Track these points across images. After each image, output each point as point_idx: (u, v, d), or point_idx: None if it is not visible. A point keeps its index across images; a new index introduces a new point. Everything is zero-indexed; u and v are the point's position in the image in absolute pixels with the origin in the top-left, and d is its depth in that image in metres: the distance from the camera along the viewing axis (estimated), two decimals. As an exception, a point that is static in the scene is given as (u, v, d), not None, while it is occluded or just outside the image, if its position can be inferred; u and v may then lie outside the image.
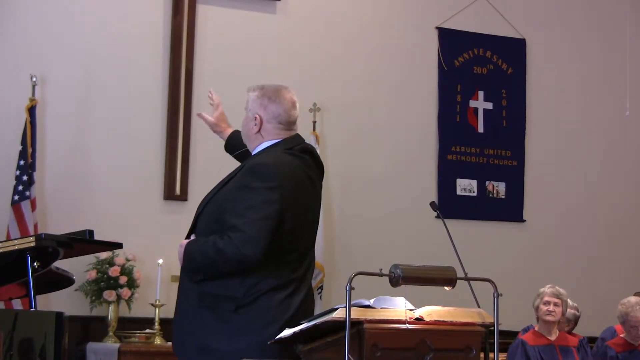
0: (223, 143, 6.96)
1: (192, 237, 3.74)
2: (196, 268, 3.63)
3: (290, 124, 3.81)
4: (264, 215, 3.49)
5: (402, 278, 3.09)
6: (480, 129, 7.62)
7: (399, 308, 3.21)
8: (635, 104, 7.85)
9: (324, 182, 3.90)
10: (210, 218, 3.67)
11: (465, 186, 7.52)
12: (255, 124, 3.82)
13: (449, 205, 7.27)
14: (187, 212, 6.65)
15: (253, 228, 3.46)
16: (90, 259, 6.20)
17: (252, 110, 3.86)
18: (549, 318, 5.80)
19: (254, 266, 3.48)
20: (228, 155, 6.91)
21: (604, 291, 7.55)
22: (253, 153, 3.84)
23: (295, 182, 3.64)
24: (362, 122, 7.25)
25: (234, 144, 4.26)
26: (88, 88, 6.54)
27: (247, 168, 3.65)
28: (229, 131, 4.32)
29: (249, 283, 3.52)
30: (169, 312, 6.36)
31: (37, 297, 4.01)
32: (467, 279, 3.44)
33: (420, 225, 7.18)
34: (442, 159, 7.47)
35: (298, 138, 3.82)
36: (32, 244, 3.99)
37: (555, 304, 5.80)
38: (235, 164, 6.69)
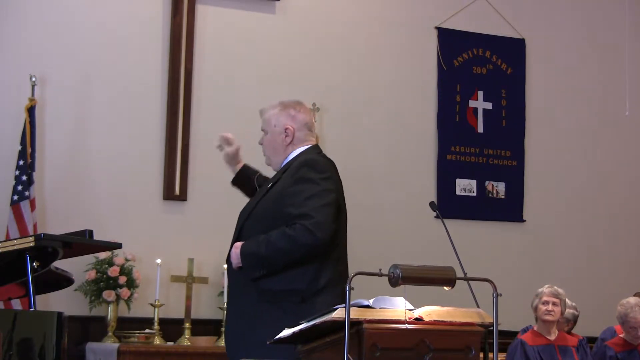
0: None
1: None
2: (260, 263, 3.73)
3: (313, 130, 4.10)
4: (326, 202, 3.74)
5: (402, 278, 3.09)
6: (480, 129, 7.62)
7: (398, 308, 3.21)
8: (634, 104, 7.86)
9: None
10: (262, 219, 3.83)
11: (465, 186, 7.52)
12: (287, 135, 4.00)
13: (448, 205, 7.27)
14: (186, 212, 6.67)
15: (321, 213, 3.69)
16: (89, 259, 6.20)
17: (279, 125, 4.01)
18: (548, 318, 5.81)
19: (323, 251, 3.69)
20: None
21: (603, 291, 7.55)
22: (284, 162, 4.00)
23: (339, 179, 3.93)
24: (362, 122, 7.25)
25: (243, 176, 4.38)
26: (87, 88, 6.54)
27: (298, 164, 3.85)
28: (241, 165, 4.42)
29: (310, 275, 3.71)
30: (168, 312, 6.39)
31: (37, 297, 4.01)
32: (467, 279, 3.44)
33: (420, 225, 7.18)
34: (442, 159, 7.46)
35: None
36: (32, 244, 3.99)
37: (554, 304, 5.80)
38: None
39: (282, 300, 3.70)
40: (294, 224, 3.69)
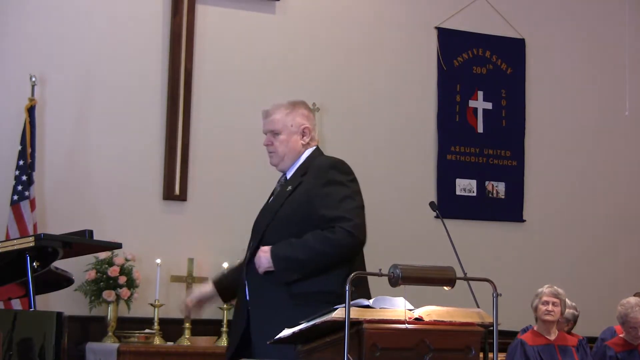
0: (221, 143, 6.94)
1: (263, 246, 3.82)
2: (296, 266, 3.70)
3: None
4: (359, 204, 3.82)
5: (402, 278, 3.09)
6: (480, 129, 7.62)
7: (398, 308, 3.21)
8: (634, 104, 7.86)
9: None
10: (288, 222, 3.79)
11: (465, 186, 7.52)
12: (305, 135, 3.99)
13: (448, 205, 7.27)
14: (186, 212, 6.67)
15: (357, 216, 3.77)
16: (89, 259, 6.20)
17: (295, 125, 3.98)
18: (547, 318, 5.81)
19: (358, 253, 3.76)
20: (227, 155, 6.96)
21: (604, 291, 7.55)
22: (297, 164, 3.96)
23: None
24: (362, 122, 7.24)
25: (227, 286, 4.17)
26: (87, 88, 6.54)
27: (325, 166, 3.85)
28: (210, 284, 4.23)
29: (342, 276, 3.61)
30: (168, 312, 6.38)
31: (37, 297, 4.00)
32: (467, 279, 3.44)
33: (420, 225, 7.17)
34: (442, 159, 7.46)
35: None
36: (32, 244, 3.98)
37: (554, 304, 5.80)
38: (238, 167, 6.68)
39: (315, 301, 3.62)
40: (332, 227, 3.68)
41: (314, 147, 4.01)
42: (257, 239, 3.85)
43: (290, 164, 3.98)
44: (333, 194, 3.76)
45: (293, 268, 3.70)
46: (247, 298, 3.85)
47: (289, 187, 3.89)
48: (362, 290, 3.72)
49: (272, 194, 4.07)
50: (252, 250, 3.83)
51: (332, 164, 3.87)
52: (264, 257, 3.75)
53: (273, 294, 3.74)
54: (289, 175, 3.99)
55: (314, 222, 3.73)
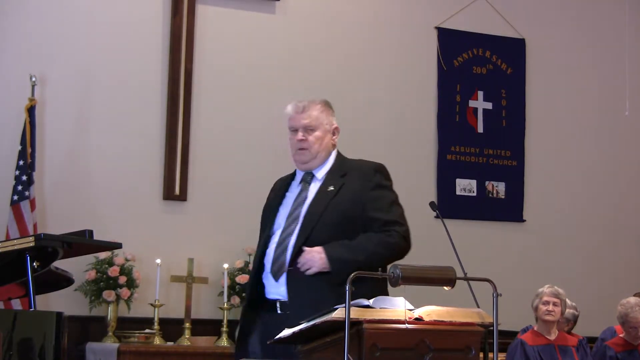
0: (221, 143, 6.96)
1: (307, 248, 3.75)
2: (351, 269, 3.50)
3: None
4: (402, 209, 3.88)
5: (402, 278, 3.09)
6: (480, 129, 7.62)
7: (398, 308, 3.21)
8: (634, 104, 7.85)
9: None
10: (335, 222, 3.75)
11: (465, 186, 7.52)
12: (335, 135, 4.03)
13: (448, 205, 7.26)
14: (186, 212, 6.67)
15: (405, 221, 3.84)
16: (89, 259, 6.20)
17: (329, 124, 4.02)
18: (548, 318, 5.81)
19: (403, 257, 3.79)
20: (227, 156, 6.96)
21: (604, 291, 7.55)
22: (327, 164, 3.93)
23: None
24: (362, 122, 7.24)
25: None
26: (87, 88, 6.54)
27: (370, 170, 3.88)
28: None
29: (381, 280, 3.63)
30: (168, 312, 6.39)
31: (37, 297, 4.00)
32: (467, 279, 3.44)
33: (420, 226, 7.04)
34: (442, 158, 7.46)
35: None
36: (32, 244, 3.97)
37: (554, 304, 5.81)
38: (238, 167, 6.68)
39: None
40: (386, 230, 3.73)
41: (337, 149, 4.00)
42: (302, 240, 3.74)
43: (320, 163, 3.93)
44: (382, 198, 3.81)
45: (349, 270, 3.55)
46: (285, 299, 3.73)
47: (330, 188, 3.83)
48: (382, 292, 3.67)
49: (282, 190, 3.97)
50: (297, 250, 3.72)
51: (376, 168, 3.91)
52: (319, 257, 3.68)
53: (322, 294, 3.63)
54: (319, 175, 3.92)
55: (361, 223, 3.75)
